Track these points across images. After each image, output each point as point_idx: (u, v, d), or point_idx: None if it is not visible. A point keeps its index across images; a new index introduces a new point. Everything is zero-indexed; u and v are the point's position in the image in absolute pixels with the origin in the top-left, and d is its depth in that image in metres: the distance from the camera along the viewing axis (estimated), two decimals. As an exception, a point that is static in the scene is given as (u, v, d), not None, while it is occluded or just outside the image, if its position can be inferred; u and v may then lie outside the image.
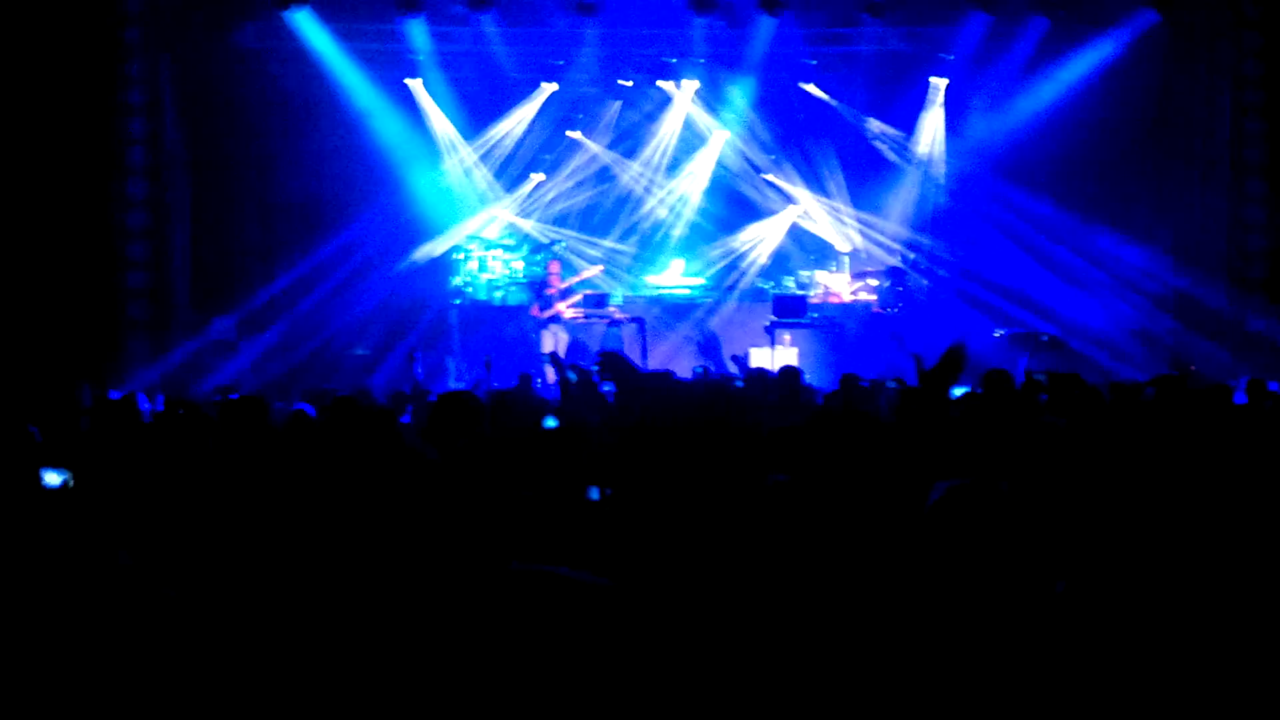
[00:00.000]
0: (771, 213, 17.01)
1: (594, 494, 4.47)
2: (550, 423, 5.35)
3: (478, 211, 16.54)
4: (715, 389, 7.33)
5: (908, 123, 16.57)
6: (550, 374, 11.79)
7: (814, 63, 16.46)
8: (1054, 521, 3.72)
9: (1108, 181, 15.73)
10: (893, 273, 15.76)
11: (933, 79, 16.23)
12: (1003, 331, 14.63)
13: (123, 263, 13.14)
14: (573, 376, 7.56)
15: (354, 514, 3.82)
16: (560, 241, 16.44)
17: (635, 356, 14.08)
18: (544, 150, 16.90)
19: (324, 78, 15.08)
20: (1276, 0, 14.30)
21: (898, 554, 3.32)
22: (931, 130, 16.46)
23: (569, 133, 16.90)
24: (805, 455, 4.74)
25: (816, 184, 16.93)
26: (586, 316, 14.95)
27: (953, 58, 15.90)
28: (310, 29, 14.57)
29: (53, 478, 4.17)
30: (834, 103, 16.66)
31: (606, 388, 6.98)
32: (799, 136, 17.00)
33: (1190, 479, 4.17)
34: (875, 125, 16.65)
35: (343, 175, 15.66)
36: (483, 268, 16.10)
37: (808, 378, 11.92)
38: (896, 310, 15.33)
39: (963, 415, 6.40)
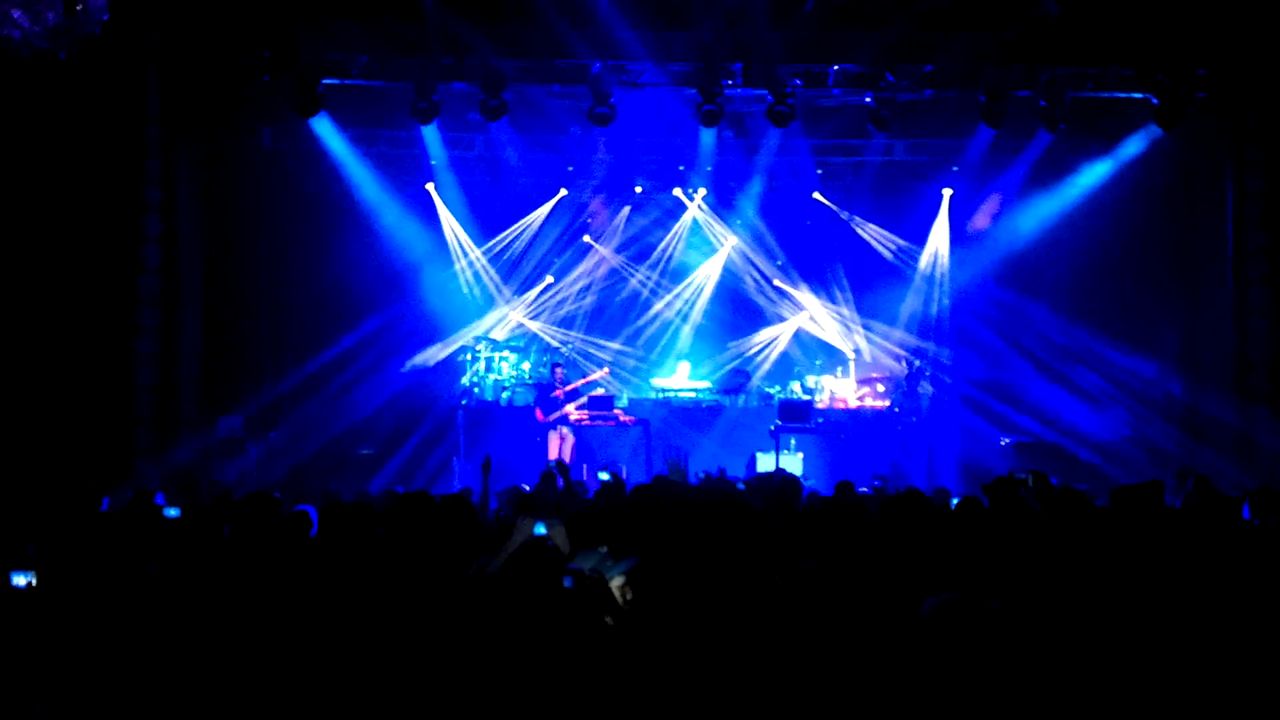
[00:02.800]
0: (778, 318, 17.16)
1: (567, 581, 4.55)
2: (540, 529, 5.38)
3: (487, 313, 16.69)
4: (716, 497, 7.36)
5: (913, 231, 16.83)
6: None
7: (820, 172, 16.75)
8: (1043, 636, 3.72)
9: (1112, 291, 15.85)
10: (899, 381, 15.84)
11: (940, 191, 16.50)
12: (1008, 440, 14.63)
13: (133, 358, 13.22)
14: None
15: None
16: (568, 344, 16.58)
17: (640, 458, 14.14)
18: (554, 254, 17.12)
19: (340, 180, 15.37)
20: (1277, 114, 14.49)
21: (888, 661, 3.35)
22: (937, 239, 16.67)
23: (584, 238, 17.16)
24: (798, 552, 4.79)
25: (823, 290, 17.11)
26: (592, 419, 14.99)
27: (958, 169, 16.14)
28: (328, 133, 14.87)
29: (19, 579, 4.26)
30: (841, 212, 16.92)
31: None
32: (806, 243, 17.23)
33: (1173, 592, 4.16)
34: (881, 233, 16.87)
35: (355, 275, 15.83)
36: (490, 368, 16.17)
37: (811, 483, 11.94)
38: (914, 420, 15.33)
39: (961, 521, 6.40)
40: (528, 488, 9.23)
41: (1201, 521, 5.36)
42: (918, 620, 3.33)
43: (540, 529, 5.66)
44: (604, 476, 9.69)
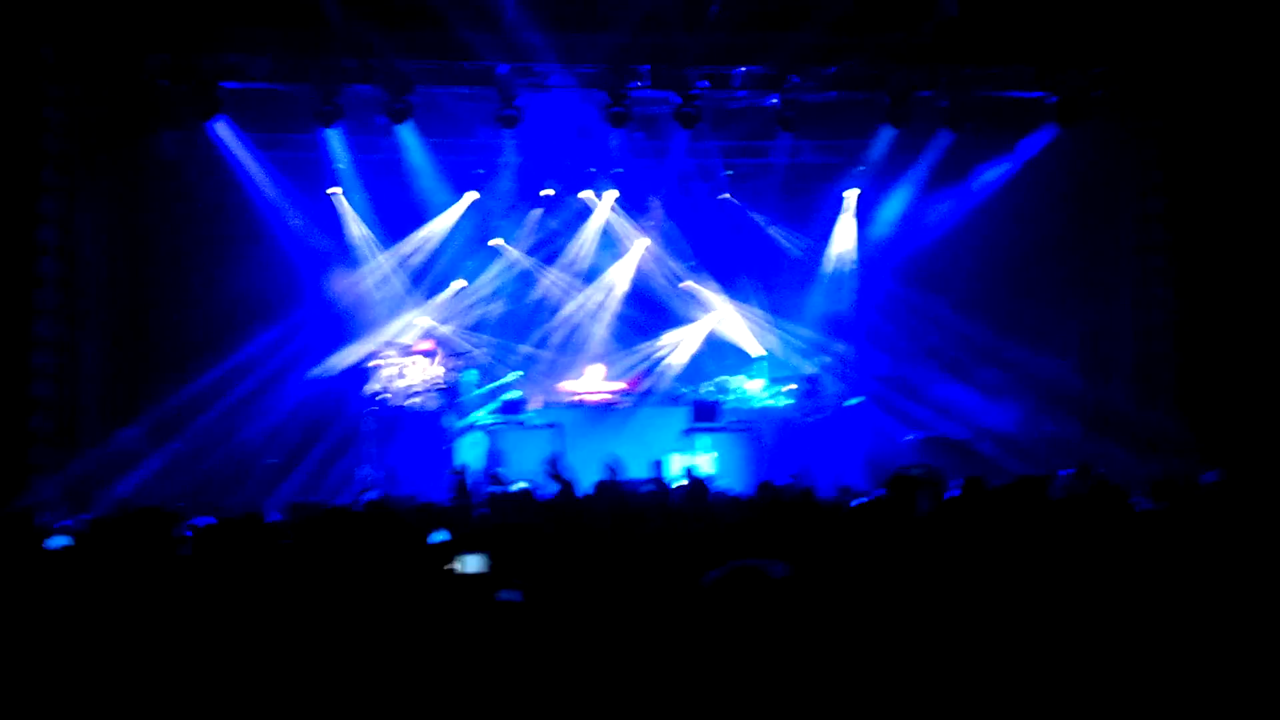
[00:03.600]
0: (690, 319, 17.21)
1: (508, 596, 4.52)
2: (440, 536, 5.31)
3: (395, 318, 16.51)
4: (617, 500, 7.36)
5: (821, 230, 16.99)
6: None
7: (729, 173, 16.85)
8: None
9: (1015, 287, 16.13)
10: (808, 379, 15.93)
11: (845, 191, 16.68)
12: (913, 435, 14.81)
13: (30, 374, 12.85)
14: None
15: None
16: (478, 348, 16.45)
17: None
18: (463, 257, 17.00)
19: (242, 186, 15.08)
20: (1176, 111, 14.80)
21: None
22: (844, 239, 16.85)
23: (491, 241, 17.05)
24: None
25: (733, 290, 17.19)
26: (504, 423, 14.89)
27: (863, 169, 16.32)
28: (229, 139, 14.61)
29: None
30: (750, 212, 17.03)
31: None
32: (717, 244, 17.30)
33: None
34: (788, 234, 17.02)
35: (259, 281, 15.55)
36: (399, 375, 15.96)
37: (724, 482, 11.98)
38: (812, 418, 15.43)
39: (864, 518, 6.47)
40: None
41: (1081, 510, 5.47)
42: (701, 590, 3.37)
43: (441, 536, 5.61)
44: (523, 484, 9.64)
